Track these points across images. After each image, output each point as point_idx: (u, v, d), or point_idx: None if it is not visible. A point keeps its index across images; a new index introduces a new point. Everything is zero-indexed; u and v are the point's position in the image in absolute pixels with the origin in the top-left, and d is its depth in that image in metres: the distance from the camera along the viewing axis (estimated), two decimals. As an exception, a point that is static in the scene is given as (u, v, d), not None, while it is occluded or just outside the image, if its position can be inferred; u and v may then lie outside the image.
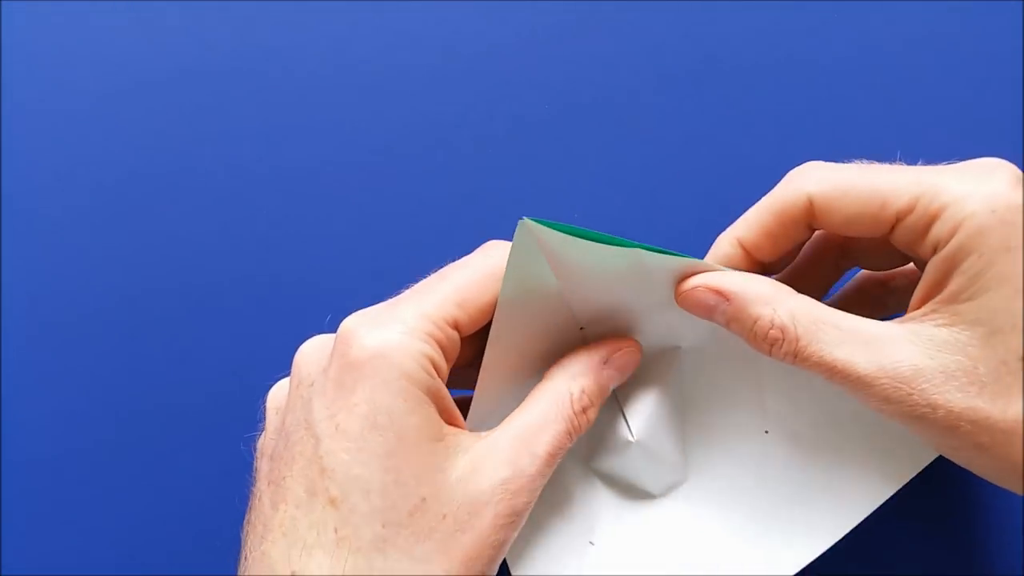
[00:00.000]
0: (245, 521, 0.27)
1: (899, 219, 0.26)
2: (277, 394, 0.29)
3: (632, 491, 0.31)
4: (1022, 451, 0.23)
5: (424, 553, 0.24)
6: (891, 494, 0.28)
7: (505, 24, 0.38)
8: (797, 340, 0.25)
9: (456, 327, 0.26)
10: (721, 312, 0.27)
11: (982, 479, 0.33)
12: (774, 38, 0.37)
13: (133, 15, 0.38)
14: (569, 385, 0.27)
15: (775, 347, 0.26)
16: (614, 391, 0.30)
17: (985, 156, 0.26)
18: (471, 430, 0.27)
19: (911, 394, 0.24)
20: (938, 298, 0.25)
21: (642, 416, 0.30)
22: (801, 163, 0.28)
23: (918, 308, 0.26)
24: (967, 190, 0.24)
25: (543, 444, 0.26)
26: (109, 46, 0.38)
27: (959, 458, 0.25)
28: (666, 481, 0.31)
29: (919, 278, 0.28)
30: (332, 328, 0.27)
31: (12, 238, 0.37)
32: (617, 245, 0.26)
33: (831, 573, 0.32)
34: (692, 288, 0.27)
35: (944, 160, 0.26)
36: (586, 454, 0.31)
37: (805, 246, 0.31)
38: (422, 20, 0.38)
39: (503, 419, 0.27)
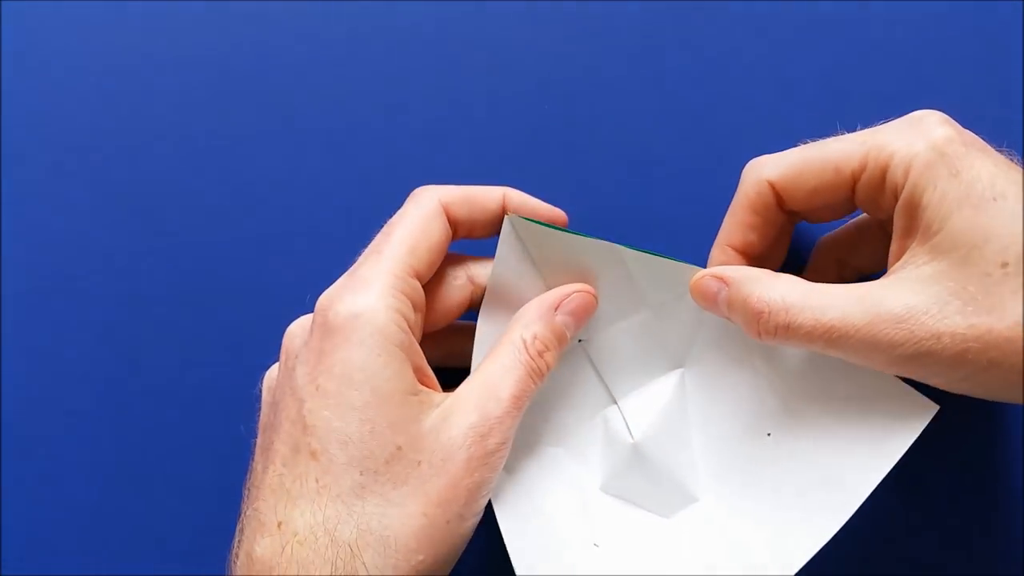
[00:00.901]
0: (243, 495, 0.29)
1: (856, 179, 0.28)
2: (270, 375, 0.31)
3: (636, 494, 0.31)
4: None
5: (400, 496, 0.26)
6: (889, 467, 0.28)
7: (502, 25, 0.38)
8: (787, 311, 0.26)
9: (416, 275, 0.29)
10: (723, 299, 0.29)
11: (983, 480, 0.33)
12: (769, 37, 0.37)
13: (134, 15, 0.38)
14: (522, 332, 0.29)
15: (761, 320, 0.27)
16: (617, 403, 0.32)
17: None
18: None
19: (913, 331, 0.25)
20: (912, 244, 0.26)
21: (644, 422, 0.31)
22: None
23: (897, 260, 0.27)
24: (907, 137, 0.27)
25: (506, 388, 0.28)
26: (110, 47, 0.38)
27: (972, 386, 0.26)
28: (670, 493, 0.31)
29: (869, 225, 0.31)
30: (312, 307, 0.29)
31: (12, 239, 0.37)
32: (598, 240, 0.29)
33: (831, 573, 0.32)
34: (700, 278, 0.29)
35: None
36: (592, 464, 0.32)
37: (807, 267, 0.34)
38: (421, 21, 0.38)
39: None
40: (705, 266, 0.31)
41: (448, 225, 0.30)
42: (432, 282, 0.30)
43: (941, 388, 0.26)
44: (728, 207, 0.31)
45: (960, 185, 0.25)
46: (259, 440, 0.29)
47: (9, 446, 0.36)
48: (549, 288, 0.30)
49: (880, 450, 0.28)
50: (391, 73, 0.38)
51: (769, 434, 0.31)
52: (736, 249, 0.31)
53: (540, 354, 0.29)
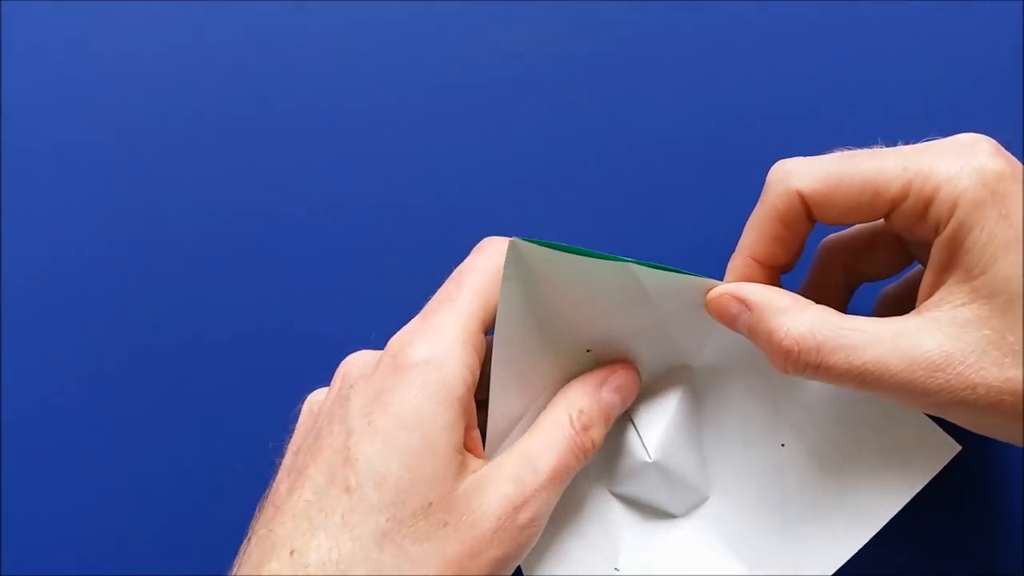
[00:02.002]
0: (257, 510, 0.28)
1: (894, 206, 0.26)
2: (314, 399, 0.30)
3: (653, 513, 0.31)
4: None
5: (419, 553, 0.25)
6: (907, 500, 0.28)
7: (502, 26, 0.38)
8: (818, 351, 0.25)
9: (484, 329, 0.28)
10: (743, 322, 0.27)
11: (982, 480, 0.33)
12: (771, 39, 0.37)
13: (134, 16, 0.38)
14: (567, 408, 0.28)
15: (789, 359, 0.26)
16: (630, 415, 0.31)
17: None
18: (487, 458, 0.28)
19: (949, 380, 0.24)
20: (950, 280, 0.25)
21: (658, 436, 0.30)
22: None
23: (931, 294, 0.26)
24: (955, 168, 0.25)
25: (546, 461, 0.27)
26: (111, 48, 0.38)
27: (1002, 433, 0.25)
28: (687, 501, 0.31)
29: (883, 232, 0.30)
30: (377, 344, 0.29)
31: (14, 241, 0.37)
32: (607, 259, 0.27)
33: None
34: (719, 296, 0.28)
35: None
36: (607, 479, 0.31)
37: (811, 269, 0.32)
38: (420, 23, 0.38)
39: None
40: (720, 275, 0.30)
41: None
42: None
43: (967, 429, 0.26)
44: (751, 212, 0.29)
45: (1009, 229, 0.24)
46: (288, 461, 0.28)
47: (9, 446, 0.36)
48: (572, 326, 0.29)
49: (896, 483, 0.28)
50: (405, 79, 0.37)
51: (783, 445, 0.30)
52: (760, 261, 0.29)
53: (585, 429, 0.28)
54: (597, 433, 0.28)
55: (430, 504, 0.25)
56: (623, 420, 0.31)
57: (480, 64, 0.37)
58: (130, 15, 0.38)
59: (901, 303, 0.31)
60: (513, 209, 0.37)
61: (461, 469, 0.26)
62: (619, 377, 0.30)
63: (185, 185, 0.37)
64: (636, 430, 0.31)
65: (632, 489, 0.31)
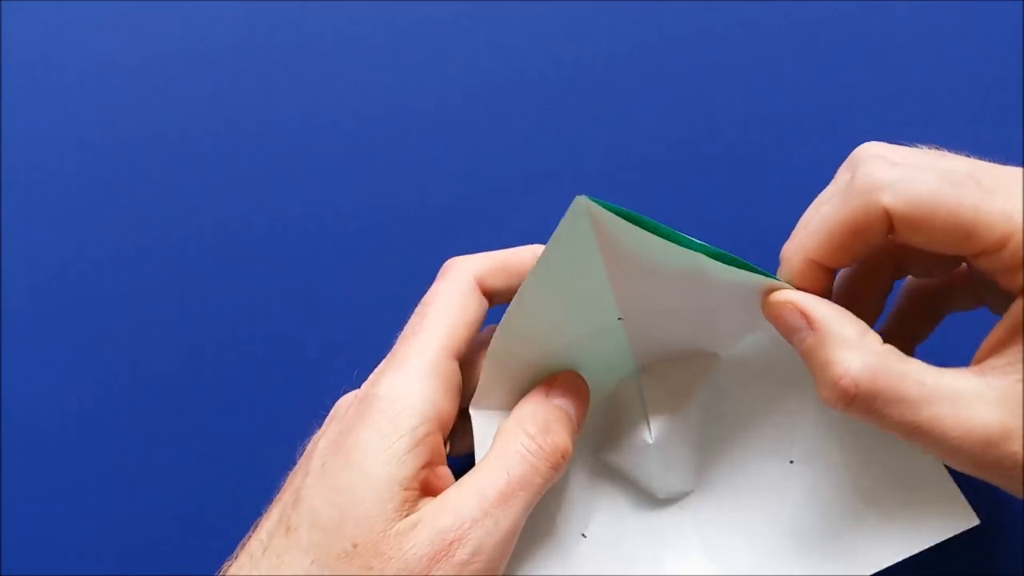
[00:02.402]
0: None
1: (987, 252, 0.24)
2: (312, 440, 0.30)
3: (634, 489, 0.31)
4: None
5: None
6: (902, 558, 0.27)
7: (500, 26, 0.38)
8: (875, 399, 0.24)
9: (455, 356, 0.27)
10: (801, 339, 0.25)
11: (983, 480, 0.33)
12: (777, 32, 0.37)
13: (135, 16, 0.38)
14: (518, 421, 0.27)
15: (843, 399, 0.24)
16: (641, 389, 0.30)
17: (983, 155, 0.25)
18: (473, 405, 0.27)
19: (1002, 457, 0.23)
20: (1017, 349, 0.23)
21: (664, 420, 0.30)
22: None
23: (998, 350, 0.24)
24: None
25: (493, 482, 0.25)
26: (110, 48, 0.38)
27: None
28: (673, 488, 0.30)
29: (968, 281, 0.27)
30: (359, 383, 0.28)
31: (14, 240, 0.37)
32: (677, 243, 0.25)
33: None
34: (781, 303, 0.26)
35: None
36: (598, 443, 0.31)
37: (898, 303, 0.31)
38: (419, 25, 0.38)
39: (507, 398, 0.27)
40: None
41: (483, 299, 0.28)
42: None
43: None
44: (815, 197, 0.27)
45: None
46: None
47: (9, 446, 0.36)
48: (611, 291, 0.27)
49: (898, 537, 0.27)
50: (410, 83, 0.38)
51: (792, 462, 0.29)
52: (820, 263, 0.26)
53: (543, 434, 0.26)
54: (559, 439, 0.26)
55: (355, 546, 0.24)
56: (632, 392, 0.30)
57: (480, 67, 0.37)
58: (130, 15, 0.38)
59: (927, 302, 0.30)
60: (519, 214, 0.37)
61: (403, 506, 0.24)
62: (562, 383, 0.28)
63: (185, 185, 0.37)
64: (644, 407, 0.30)
65: (622, 460, 0.30)
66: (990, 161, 0.25)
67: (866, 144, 0.26)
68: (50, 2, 0.38)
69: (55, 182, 0.37)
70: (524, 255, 0.29)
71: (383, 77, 0.38)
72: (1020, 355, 0.23)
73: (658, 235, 0.24)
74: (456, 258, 0.29)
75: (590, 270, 0.26)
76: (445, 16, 0.38)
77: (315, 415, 0.30)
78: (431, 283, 0.29)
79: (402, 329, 0.28)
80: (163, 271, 0.37)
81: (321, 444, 0.26)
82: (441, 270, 0.29)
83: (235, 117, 0.37)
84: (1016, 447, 0.23)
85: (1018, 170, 0.24)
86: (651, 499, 0.31)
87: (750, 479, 0.30)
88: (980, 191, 0.24)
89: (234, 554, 0.27)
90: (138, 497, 0.35)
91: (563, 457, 0.26)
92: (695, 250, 0.25)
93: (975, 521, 0.26)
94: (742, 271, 0.26)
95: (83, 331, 0.36)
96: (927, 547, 0.27)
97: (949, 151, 0.26)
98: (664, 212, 0.36)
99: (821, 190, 0.27)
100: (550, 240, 0.25)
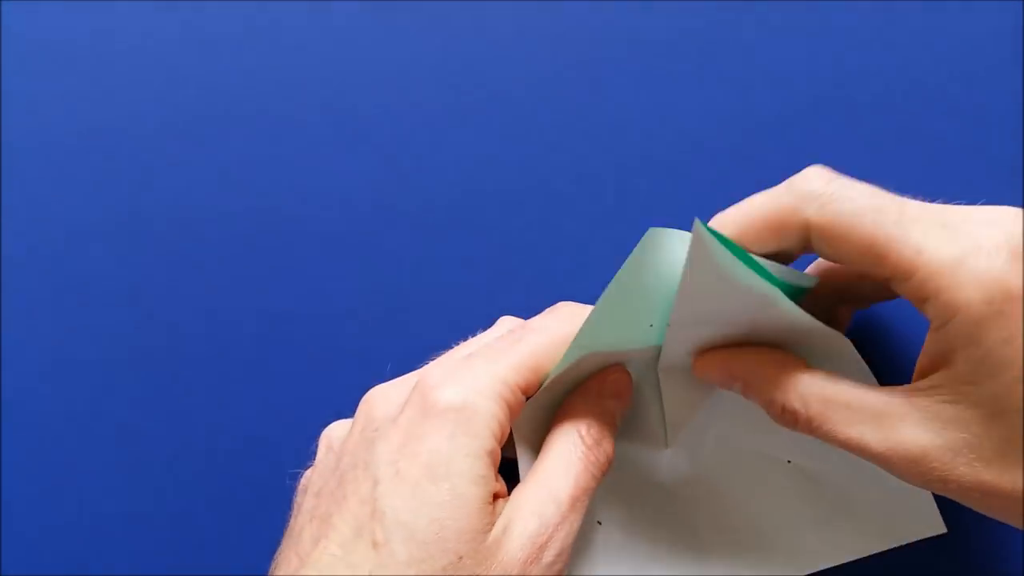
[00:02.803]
0: (277, 553, 0.27)
1: (895, 278, 0.25)
2: (333, 433, 0.29)
3: (646, 481, 0.31)
4: None
5: None
6: (868, 553, 0.29)
7: (501, 27, 0.38)
8: (810, 421, 0.26)
9: (526, 392, 0.27)
10: (737, 389, 0.28)
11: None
12: (775, 34, 0.37)
13: (136, 16, 0.38)
14: (575, 425, 0.28)
15: (790, 426, 0.27)
16: (660, 387, 0.30)
17: (983, 160, 0.26)
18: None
19: (923, 472, 0.25)
20: (942, 373, 0.25)
21: (679, 416, 0.30)
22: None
23: (923, 377, 0.25)
24: (965, 276, 0.24)
25: (564, 489, 0.26)
26: (110, 48, 0.38)
27: (980, 511, 0.26)
28: (682, 479, 0.31)
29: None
30: (392, 375, 0.28)
31: (14, 241, 0.37)
32: (765, 278, 0.26)
33: (830, 570, 0.32)
34: (708, 366, 0.28)
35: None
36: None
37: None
38: (418, 27, 0.38)
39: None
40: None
41: None
42: None
43: None
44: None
45: (1008, 351, 0.23)
46: (309, 503, 0.27)
47: (9, 446, 0.36)
48: (679, 294, 0.27)
49: (870, 534, 0.30)
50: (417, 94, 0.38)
51: (790, 462, 0.31)
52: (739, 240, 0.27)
53: (597, 444, 0.28)
54: (609, 445, 0.28)
55: (460, 558, 0.25)
56: (651, 385, 0.31)
57: (480, 72, 0.37)
58: (131, 16, 0.38)
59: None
60: (524, 217, 0.37)
61: (491, 517, 0.26)
62: (613, 383, 0.29)
63: (186, 187, 0.37)
64: (661, 402, 0.30)
65: (636, 451, 0.31)
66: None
67: (816, 166, 0.27)
68: (50, 2, 0.38)
69: (55, 181, 0.37)
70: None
71: (387, 73, 0.38)
72: (941, 383, 0.25)
73: (748, 264, 0.26)
74: (570, 303, 0.30)
75: (670, 282, 0.27)
76: (460, 12, 0.38)
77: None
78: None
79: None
80: (164, 270, 0.37)
81: (383, 447, 0.26)
82: (554, 307, 0.29)
83: (238, 114, 0.37)
84: (935, 464, 0.24)
85: (952, 208, 0.25)
86: (660, 488, 0.31)
87: (751, 476, 0.31)
88: (901, 219, 0.25)
89: (279, 563, 0.26)
90: (138, 497, 0.35)
91: (609, 465, 0.28)
92: (774, 284, 0.26)
93: (942, 530, 0.29)
94: (803, 313, 0.27)
95: (83, 331, 0.36)
96: (892, 547, 0.29)
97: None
98: (674, 206, 0.36)
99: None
100: (688, 270, 0.25)
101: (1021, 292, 0.23)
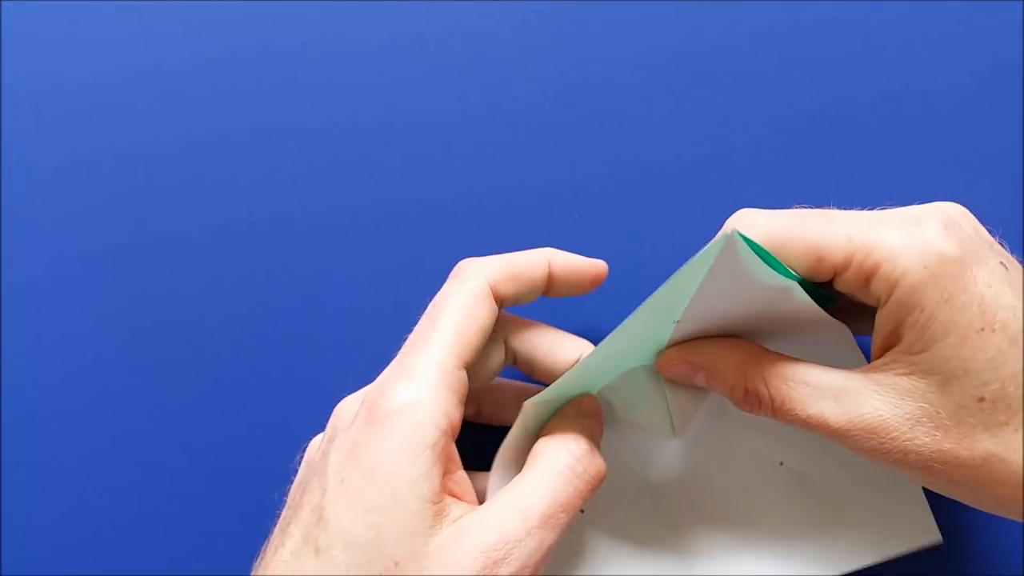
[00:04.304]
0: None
1: (837, 273, 0.27)
2: (310, 447, 0.30)
3: (633, 474, 0.31)
4: (996, 483, 0.25)
5: None
6: (866, 564, 0.30)
7: (500, 23, 0.38)
8: (772, 401, 0.27)
9: (464, 365, 0.27)
10: (700, 379, 0.28)
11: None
12: (774, 34, 0.37)
13: (135, 16, 0.38)
14: (559, 440, 0.27)
15: (755, 409, 0.27)
16: (663, 385, 0.30)
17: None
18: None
19: (883, 443, 0.25)
20: (895, 348, 0.26)
21: (683, 414, 0.30)
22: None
23: (879, 356, 0.27)
24: (898, 246, 0.25)
25: (536, 503, 0.25)
26: (110, 48, 0.38)
27: (941, 491, 0.27)
28: (674, 476, 0.31)
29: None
30: (356, 387, 0.28)
31: (14, 242, 0.37)
32: (783, 275, 0.26)
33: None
34: (670, 362, 0.29)
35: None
36: (616, 425, 0.31)
37: None
38: (418, 24, 0.38)
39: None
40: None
41: (495, 304, 0.28)
42: None
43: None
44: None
45: (949, 312, 0.24)
46: (282, 514, 0.28)
47: (9, 446, 0.36)
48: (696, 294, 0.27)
49: (865, 544, 0.30)
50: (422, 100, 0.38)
51: (781, 463, 0.31)
52: None
53: (583, 458, 0.27)
54: (599, 460, 0.27)
55: (396, 563, 0.24)
56: (649, 382, 0.30)
57: (488, 69, 0.37)
58: (131, 16, 0.38)
59: None
60: (524, 216, 0.37)
61: (437, 519, 0.25)
62: (587, 405, 0.29)
63: (186, 187, 0.37)
64: (667, 400, 0.30)
65: (632, 445, 0.31)
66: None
67: (743, 209, 0.29)
68: (50, 2, 0.38)
69: (55, 181, 0.37)
70: (536, 259, 0.29)
71: (392, 77, 0.38)
72: (895, 358, 0.26)
73: (769, 264, 0.26)
74: (469, 260, 0.29)
75: (690, 286, 0.26)
76: (462, 16, 0.38)
77: (313, 420, 0.30)
78: (433, 285, 0.29)
79: (410, 330, 0.28)
80: (165, 271, 0.36)
81: (335, 457, 0.26)
82: (453, 271, 0.29)
83: (239, 117, 0.37)
84: (894, 433, 0.25)
85: (876, 211, 0.27)
86: (648, 487, 0.31)
87: (742, 478, 0.31)
88: (825, 220, 0.27)
89: (254, 569, 0.27)
90: (138, 497, 0.35)
91: (602, 480, 0.27)
92: (790, 278, 0.27)
93: (938, 540, 0.30)
94: (812, 304, 0.28)
95: (83, 332, 0.36)
96: (889, 558, 0.29)
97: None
98: (670, 216, 0.36)
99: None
100: (706, 277, 0.25)
101: (954, 254, 0.25)
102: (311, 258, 0.36)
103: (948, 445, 0.25)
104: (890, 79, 0.37)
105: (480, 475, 0.29)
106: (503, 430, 0.28)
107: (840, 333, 0.29)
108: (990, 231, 0.27)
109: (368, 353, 0.34)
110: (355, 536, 0.24)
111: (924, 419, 0.25)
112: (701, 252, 0.24)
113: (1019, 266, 0.26)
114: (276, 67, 0.38)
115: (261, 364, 0.36)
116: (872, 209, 0.27)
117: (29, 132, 0.37)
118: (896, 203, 0.27)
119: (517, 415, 0.28)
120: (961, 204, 0.27)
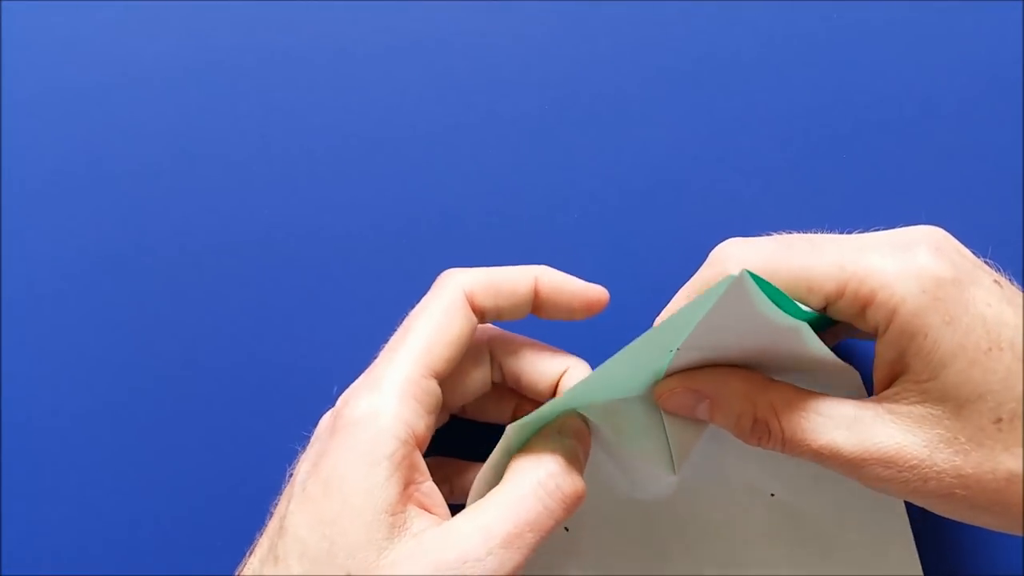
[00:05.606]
0: None
1: (829, 303, 0.26)
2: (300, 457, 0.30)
3: (622, 497, 0.31)
4: (1020, 504, 0.24)
5: None
6: None
7: (501, 23, 0.38)
8: (782, 432, 0.26)
9: (434, 374, 0.26)
10: (703, 410, 0.27)
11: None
12: (775, 37, 0.37)
13: (136, 16, 0.38)
14: (534, 459, 0.26)
15: (763, 440, 0.26)
16: (662, 414, 0.30)
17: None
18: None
19: (900, 472, 0.25)
20: (903, 378, 0.25)
21: (680, 446, 0.30)
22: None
23: (885, 385, 0.26)
24: (892, 272, 0.25)
25: (502, 522, 0.24)
26: (110, 49, 0.38)
27: (960, 518, 0.26)
28: (664, 498, 0.31)
29: None
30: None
31: (14, 243, 0.37)
32: (794, 314, 0.26)
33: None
34: (671, 391, 0.28)
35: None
36: (607, 447, 0.30)
37: None
38: (418, 23, 0.38)
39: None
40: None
41: (472, 315, 0.28)
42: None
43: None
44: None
45: (955, 334, 0.24)
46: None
47: (9, 446, 0.36)
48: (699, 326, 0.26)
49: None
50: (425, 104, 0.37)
51: (773, 495, 0.31)
52: None
53: (558, 476, 0.25)
54: (576, 480, 0.26)
55: (348, 575, 0.23)
56: (645, 411, 0.30)
57: (483, 76, 0.37)
58: (132, 16, 0.38)
59: None
60: (517, 227, 0.36)
61: (393, 532, 0.24)
62: (571, 424, 0.28)
63: (186, 189, 0.37)
64: (665, 432, 0.30)
65: (627, 474, 0.30)
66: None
67: (729, 239, 0.28)
68: (50, 3, 0.38)
69: (55, 183, 0.37)
70: (521, 274, 0.29)
71: (384, 84, 0.37)
72: (905, 387, 0.25)
73: (777, 302, 0.25)
74: (450, 270, 0.29)
75: (691, 321, 0.26)
76: (456, 20, 0.38)
77: (313, 423, 0.30)
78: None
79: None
80: (164, 273, 0.36)
81: (303, 467, 0.26)
82: (435, 282, 0.29)
83: (240, 120, 0.37)
84: (913, 461, 0.24)
85: (859, 234, 0.27)
86: (636, 510, 0.31)
87: (733, 506, 0.31)
88: (811, 248, 0.26)
89: None
90: (137, 498, 0.35)
91: (580, 500, 0.26)
92: (801, 318, 0.26)
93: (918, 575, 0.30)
94: (822, 346, 0.27)
95: (83, 332, 0.36)
96: None
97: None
98: (660, 212, 0.36)
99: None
100: (709, 313, 0.24)
101: (950, 276, 0.24)
102: (311, 261, 0.36)
103: (970, 470, 0.24)
104: (890, 81, 0.36)
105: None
106: (502, 429, 0.28)
107: (848, 376, 0.28)
108: (984, 241, 0.27)
109: (368, 360, 0.34)
110: (309, 547, 0.24)
111: (942, 445, 0.24)
112: (706, 291, 0.24)
113: (1010, 283, 0.26)
114: (275, 72, 0.37)
115: (261, 364, 0.36)
116: (871, 211, 0.27)
117: (28, 135, 0.37)
118: (896, 204, 0.27)
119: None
120: (960, 207, 0.27)
